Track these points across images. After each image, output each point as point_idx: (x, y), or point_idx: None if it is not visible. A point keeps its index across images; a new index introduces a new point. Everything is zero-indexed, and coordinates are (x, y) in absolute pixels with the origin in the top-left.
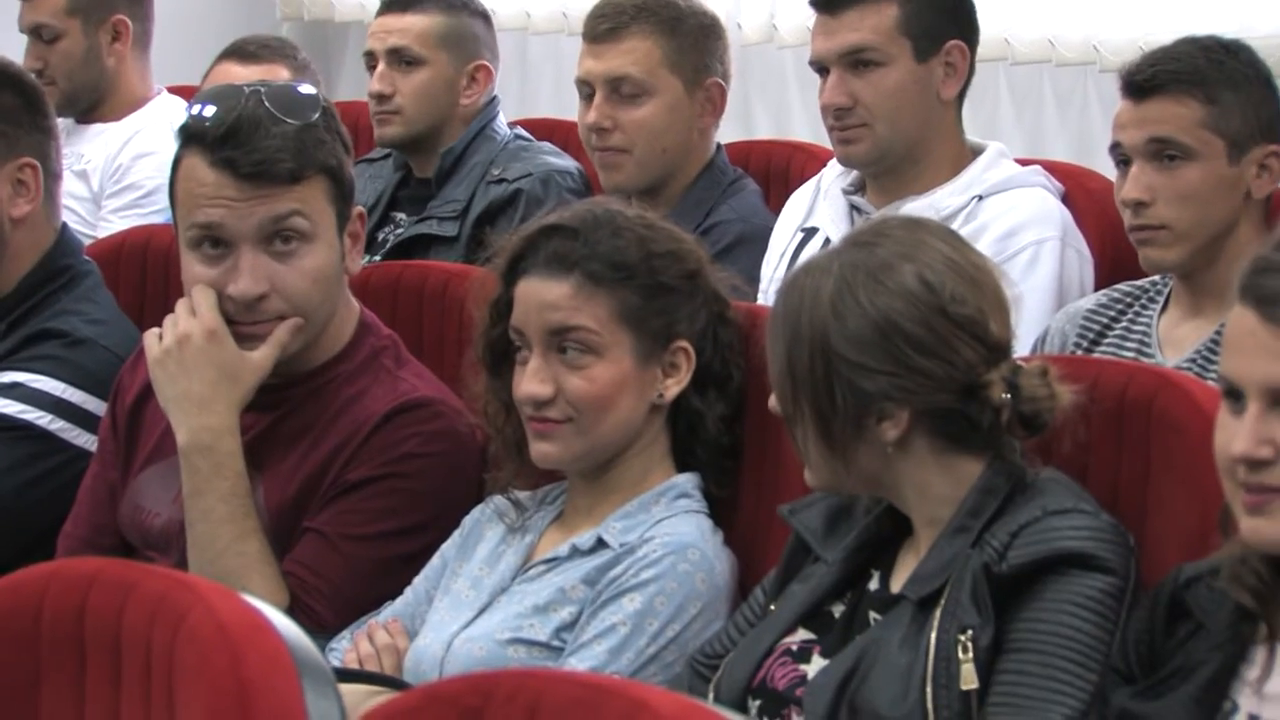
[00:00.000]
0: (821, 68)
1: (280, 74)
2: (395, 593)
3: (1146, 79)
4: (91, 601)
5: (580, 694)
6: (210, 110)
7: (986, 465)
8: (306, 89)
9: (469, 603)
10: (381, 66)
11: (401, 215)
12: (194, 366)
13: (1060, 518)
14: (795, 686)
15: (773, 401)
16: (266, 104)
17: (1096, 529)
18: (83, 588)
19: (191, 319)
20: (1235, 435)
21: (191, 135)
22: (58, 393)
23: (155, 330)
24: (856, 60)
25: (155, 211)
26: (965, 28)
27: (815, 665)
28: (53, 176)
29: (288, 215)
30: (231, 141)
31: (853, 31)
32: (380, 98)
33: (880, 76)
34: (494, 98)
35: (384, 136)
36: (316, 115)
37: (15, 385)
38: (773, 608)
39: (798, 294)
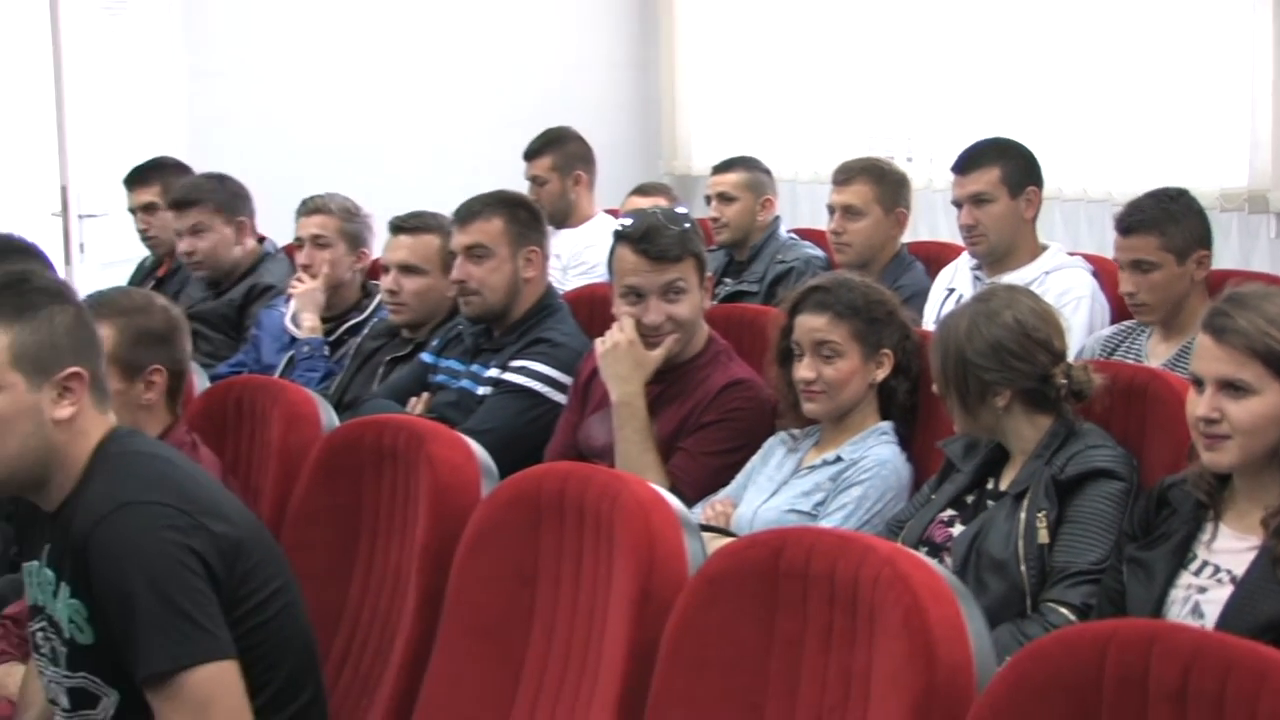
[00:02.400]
0: (958, 204)
1: (662, 202)
2: (726, 483)
3: (1125, 225)
4: (553, 485)
5: (835, 541)
6: (631, 222)
7: (1054, 420)
8: (680, 209)
9: (765, 490)
10: (714, 203)
11: (728, 280)
12: (621, 359)
13: (1095, 450)
14: (946, 541)
15: (934, 386)
16: (661, 219)
17: (1115, 455)
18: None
19: (620, 334)
20: (1197, 405)
21: (622, 236)
22: (546, 371)
23: (600, 338)
24: (977, 199)
25: (597, 277)
26: (1037, 179)
27: (957, 530)
28: (546, 258)
29: (675, 279)
30: (645, 239)
31: (974, 183)
32: (716, 220)
33: (991, 208)
34: (777, 216)
35: (720, 240)
36: (687, 225)
37: (523, 367)
38: (933, 497)
39: (946, 328)
